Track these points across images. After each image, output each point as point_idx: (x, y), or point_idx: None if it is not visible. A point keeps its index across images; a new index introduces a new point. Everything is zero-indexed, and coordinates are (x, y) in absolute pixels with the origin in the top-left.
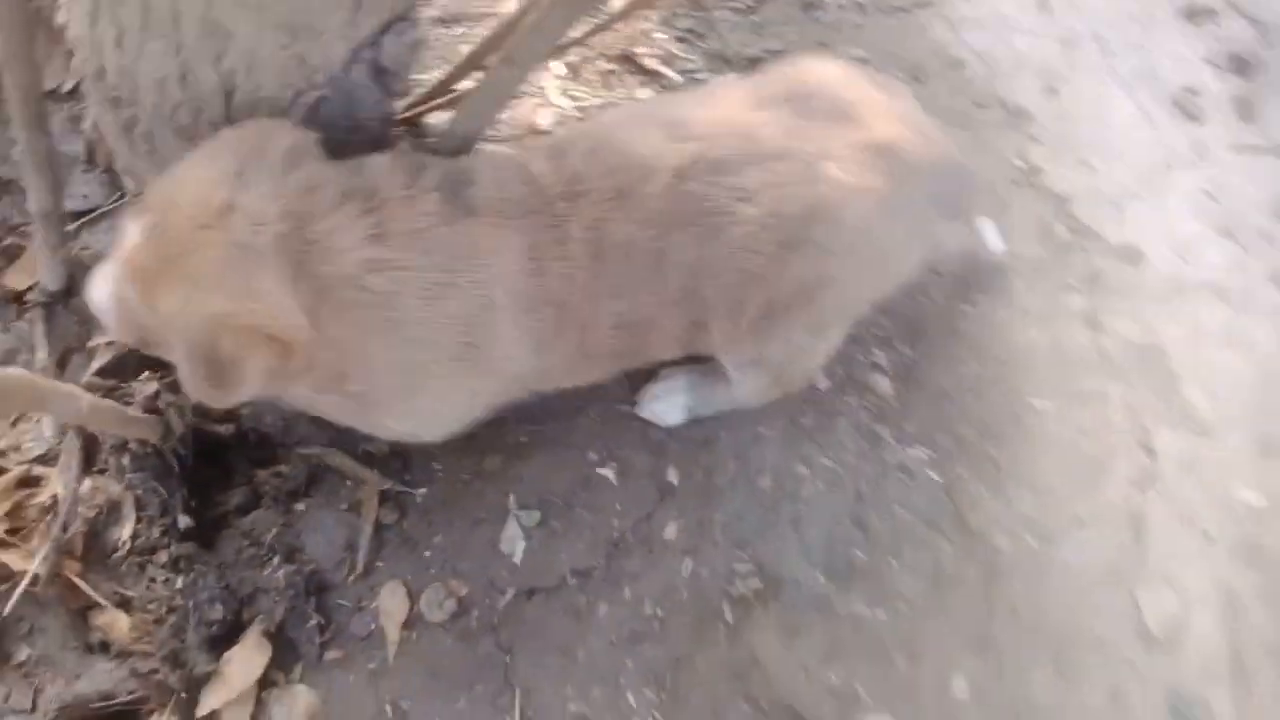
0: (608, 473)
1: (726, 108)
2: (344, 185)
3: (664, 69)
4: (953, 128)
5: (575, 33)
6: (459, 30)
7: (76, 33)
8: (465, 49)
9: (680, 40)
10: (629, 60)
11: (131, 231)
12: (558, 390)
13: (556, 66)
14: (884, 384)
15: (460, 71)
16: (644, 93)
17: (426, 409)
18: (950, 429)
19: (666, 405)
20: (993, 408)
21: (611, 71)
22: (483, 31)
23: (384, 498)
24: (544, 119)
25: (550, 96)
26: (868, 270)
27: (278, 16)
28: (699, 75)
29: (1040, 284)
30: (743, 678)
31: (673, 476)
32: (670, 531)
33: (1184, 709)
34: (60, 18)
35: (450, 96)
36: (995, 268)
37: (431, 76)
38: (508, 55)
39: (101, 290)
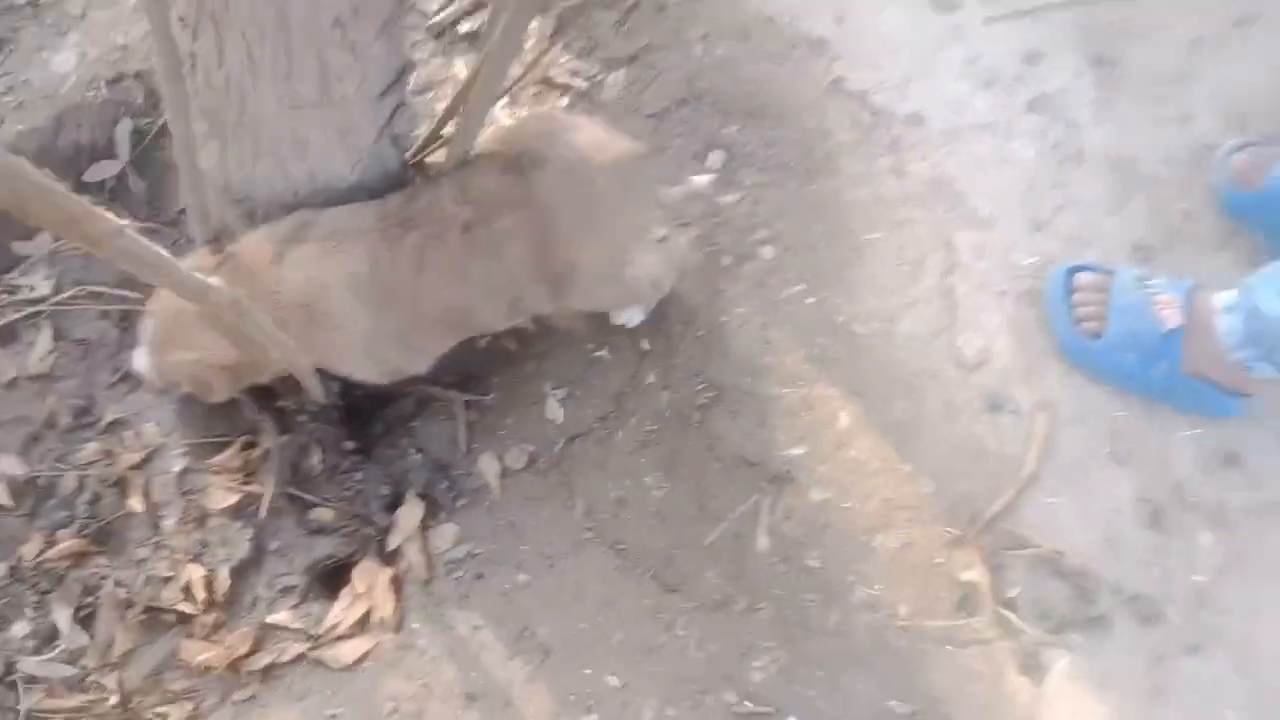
0: (603, 354)
1: (482, 180)
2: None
3: (574, 81)
4: (775, 64)
5: (509, 78)
6: (430, 94)
7: (209, 164)
8: (440, 106)
9: (579, 56)
10: (548, 81)
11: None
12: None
13: (501, 101)
14: (767, 251)
15: (441, 122)
16: (564, 102)
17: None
18: (816, 267)
19: (630, 313)
20: (840, 246)
21: (538, 93)
22: (447, 91)
23: (467, 405)
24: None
25: (502, 121)
26: (596, 240)
27: (337, 124)
28: (599, 78)
29: (857, 156)
30: (712, 449)
31: (645, 345)
32: (651, 378)
33: (998, 403)
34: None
35: (439, 141)
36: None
37: (422, 130)
38: (469, 104)
39: (140, 362)
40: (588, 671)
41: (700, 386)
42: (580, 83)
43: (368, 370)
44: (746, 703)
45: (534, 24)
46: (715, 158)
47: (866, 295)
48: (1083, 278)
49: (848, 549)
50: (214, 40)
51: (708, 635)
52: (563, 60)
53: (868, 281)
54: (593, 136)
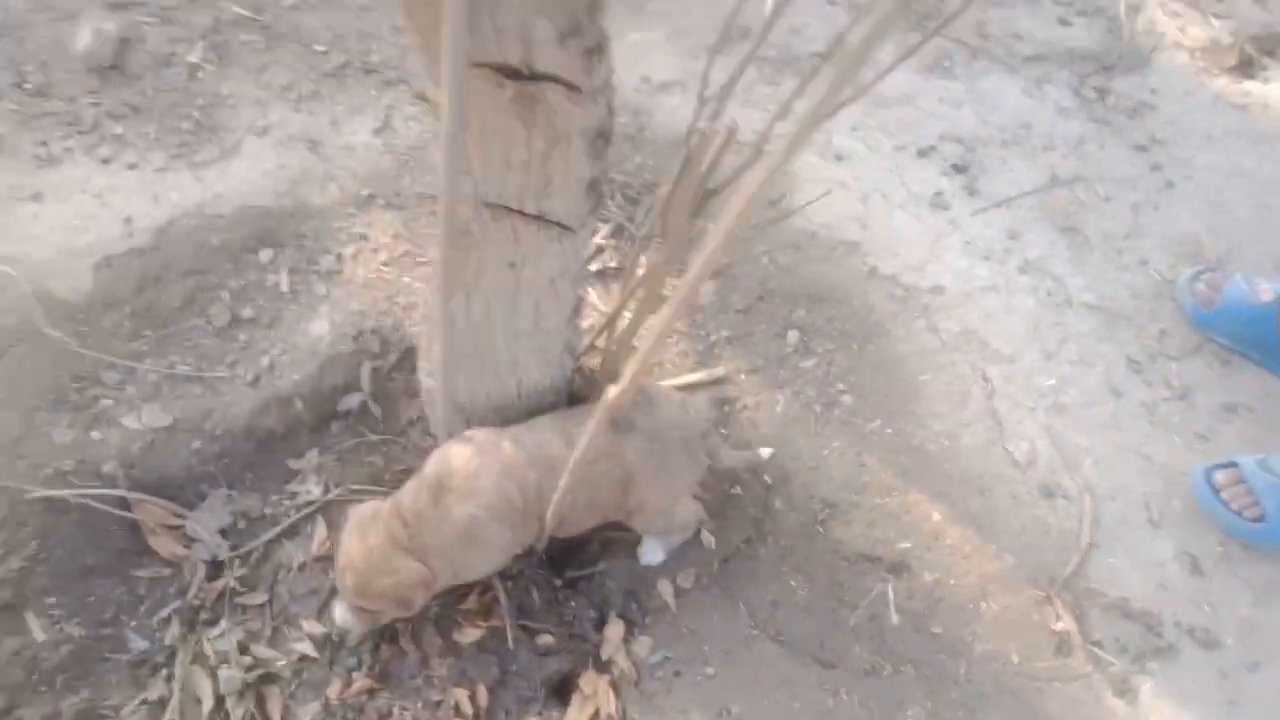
0: (737, 490)
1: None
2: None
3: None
4: (824, 263)
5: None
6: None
7: (430, 384)
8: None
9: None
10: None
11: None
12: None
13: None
14: (846, 399)
15: (595, 338)
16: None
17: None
18: (886, 406)
19: (653, 554)
20: (902, 388)
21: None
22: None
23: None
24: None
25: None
26: (659, 488)
27: (541, 346)
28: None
29: (899, 321)
30: (838, 551)
31: (768, 480)
32: (778, 504)
33: (1050, 491)
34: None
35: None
36: None
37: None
38: (621, 337)
39: (341, 613)
40: None
41: (817, 505)
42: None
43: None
44: None
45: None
46: (793, 336)
47: (930, 421)
48: (1219, 477)
49: (961, 615)
50: (464, 300)
51: (866, 697)
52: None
53: (929, 411)
54: (672, 413)
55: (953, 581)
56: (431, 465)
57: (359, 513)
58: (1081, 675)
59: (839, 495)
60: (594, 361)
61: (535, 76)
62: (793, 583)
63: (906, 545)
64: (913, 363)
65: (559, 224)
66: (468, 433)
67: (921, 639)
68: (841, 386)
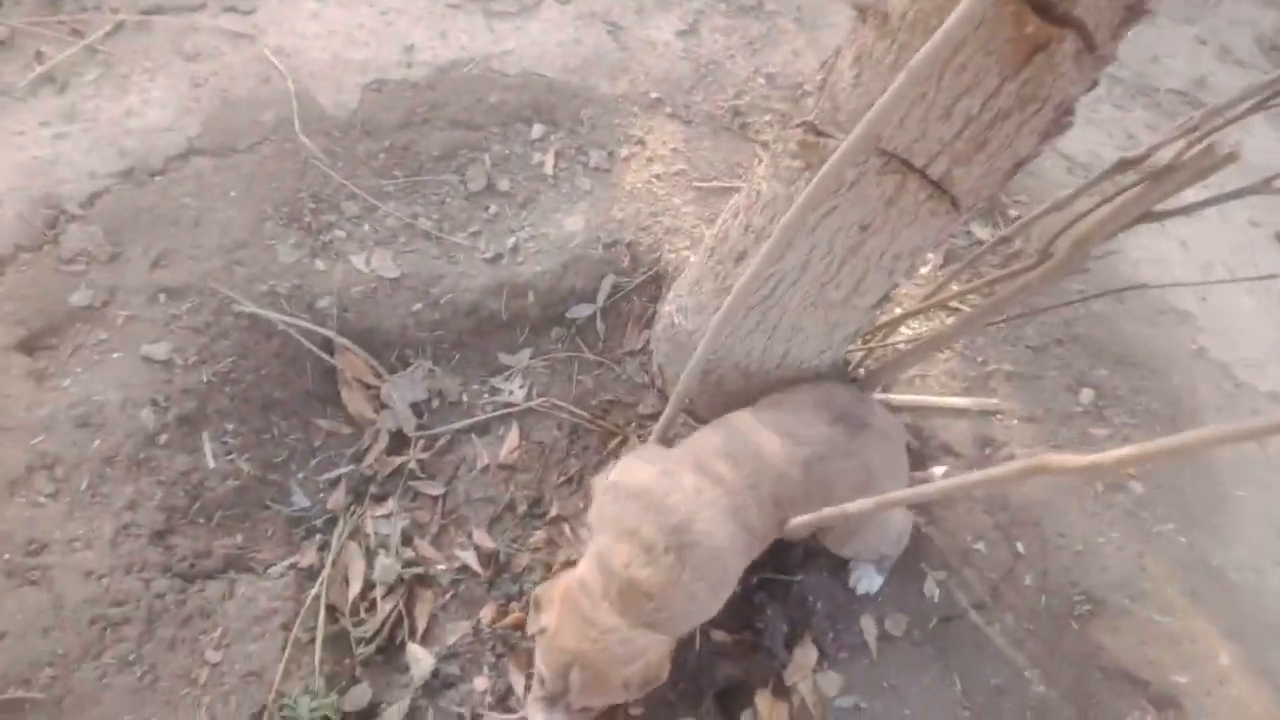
0: (979, 547)
1: (816, 426)
2: None
3: (962, 306)
4: (1145, 324)
5: (916, 301)
6: None
7: (676, 322)
8: None
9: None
10: (942, 304)
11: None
12: None
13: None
14: (1137, 486)
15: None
16: (949, 320)
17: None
18: (1185, 509)
19: (869, 580)
20: (1208, 494)
21: (928, 314)
22: None
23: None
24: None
25: (903, 332)
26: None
27: (834, 322)
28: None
29: (1221, 418)
30: (1094, 658)
31: (1020, 548)
32: (1027, 579)
33: None
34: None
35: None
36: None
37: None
38: (913, 352)
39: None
40: None
41: (1078, 597)
42: (966, 309)
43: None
44: None
45: (931, 255)
46: (1086, 395)
47: (1236, 544)
48: None
49: None
50: (776, 249)
51: None
52: (953, 287)
53: (1237, 532)
54: (889, 414)
55: None
56: (653, 518)
57: (565, 594)
58: None
59: (1108, 594)
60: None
61: (1060, 20)
62: (1027, 674)
63: (1182, 680)
64: (1229, 470)
65: (952, 199)
66: (651, 457)
67: None
68: (1134, 470)
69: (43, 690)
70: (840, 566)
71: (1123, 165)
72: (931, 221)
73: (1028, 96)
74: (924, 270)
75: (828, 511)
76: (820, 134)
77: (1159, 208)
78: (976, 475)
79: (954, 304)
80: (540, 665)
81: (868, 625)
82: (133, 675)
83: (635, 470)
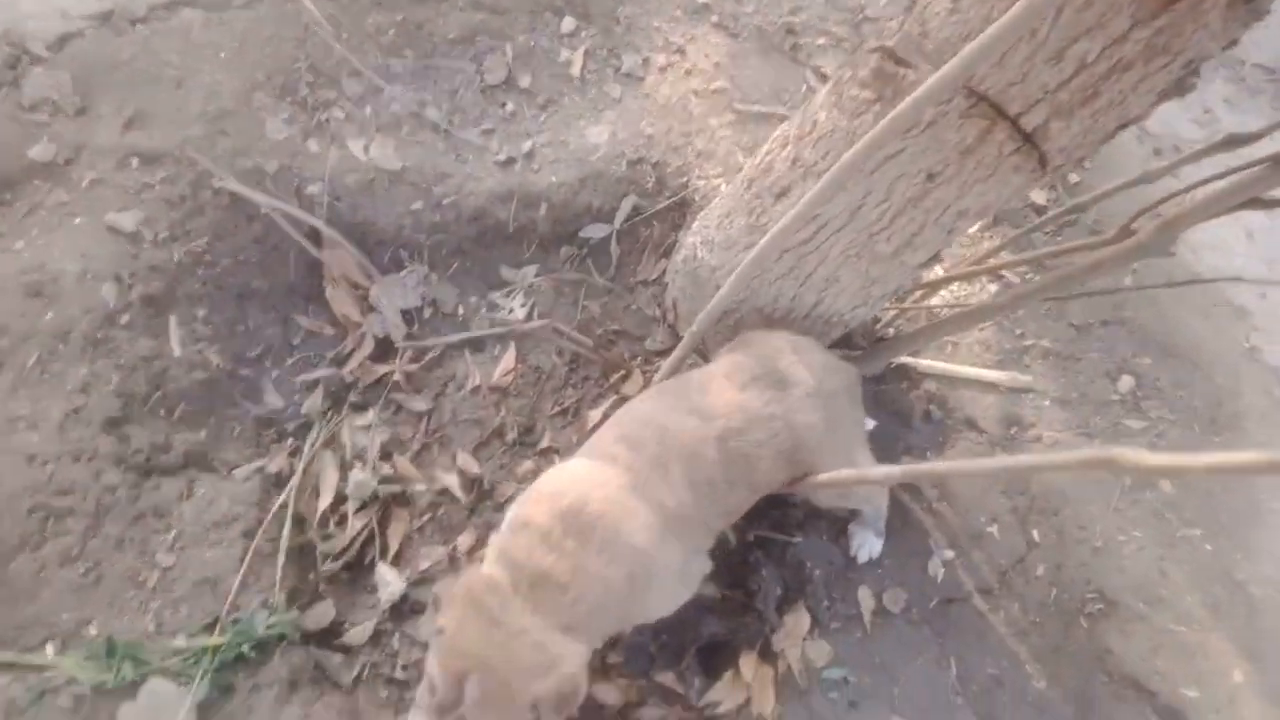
0: (993, 530)
1: (725, 395)
2: None
3: (1010, 275)
4: (1197, 316)
5: (961, 263)
6: None
7: (700, 256)
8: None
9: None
10: (990, 270)
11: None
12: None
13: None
14: (1166, 485)
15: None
16: (993, 288)
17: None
18: (1214, 517)
19: (869, 545)
20: (1241, 505)
21: (972, 278)
22: None
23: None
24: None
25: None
26: (831, 451)
27: (875, 276)
28: (1031, 278)
29: (1266, 424)
30: (1102, 661)
31: (1035, 536)
32: (1039, 570)
33: None
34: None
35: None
36: None
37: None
38: (949, 324)
39: None
40: None
41: (1090, 595)
42: (1014, 278)
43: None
44: None
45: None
46: (1126, 383)
47: (1264, 560)
48: None
49: None
50: (828, 189)
51: None
52: (1002, 254)
53: (1267, 548)
54: (823, 358)
55: None
56: (545, 506)
57: (468, 592)
58: None
59: (1124, 596)
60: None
61: None
62: (1029, 668)
63: (1192, 694)
64: (1266, 481)
65: (1041, 155)
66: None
67: None
68: (1167, 488)
69: None
70: (842, 533)
71: (1230, 143)
72: (1011, 178)
73: (1158, 47)
74: (970, 229)
75: (836, 476)
76: (900, 63)
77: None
78: (1034, 459)
79: (1003, 272)
80: (433, 669)
81: (864, 597)
82: (75, 571)
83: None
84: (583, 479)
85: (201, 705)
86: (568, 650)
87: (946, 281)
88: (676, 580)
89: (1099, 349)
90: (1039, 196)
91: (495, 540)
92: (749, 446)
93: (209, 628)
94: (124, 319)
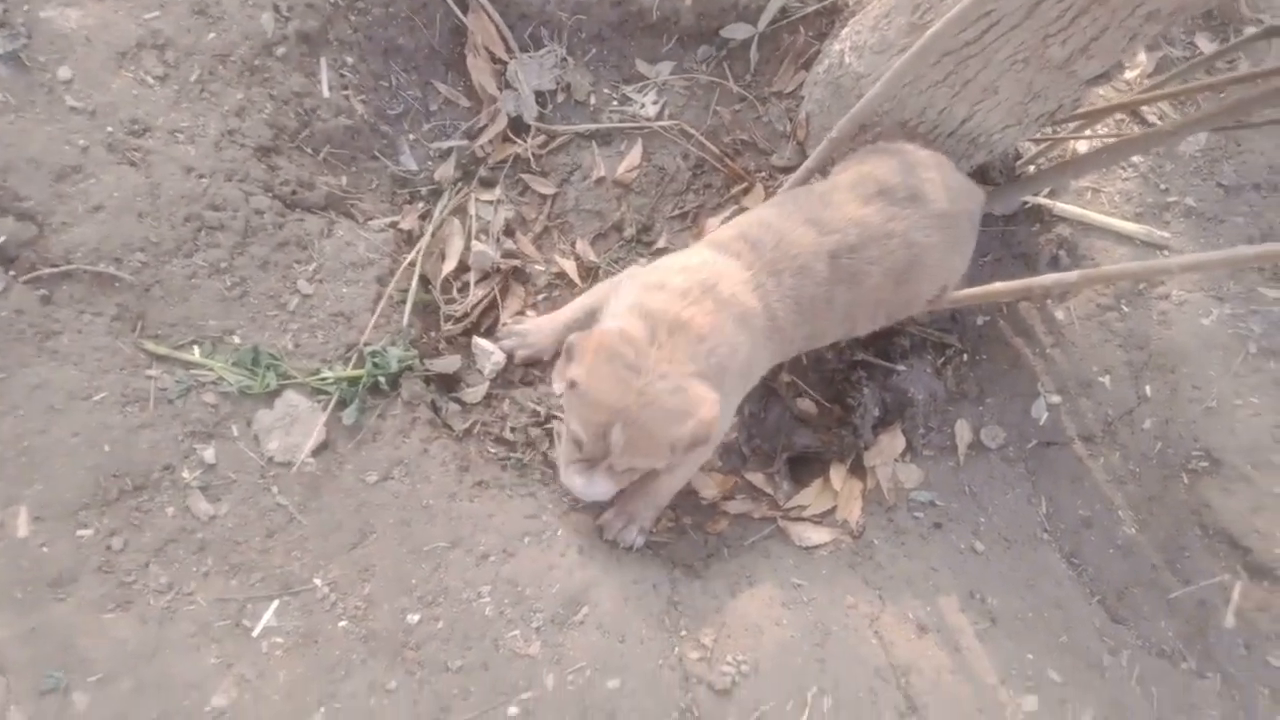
0: (1105, 380)
1: (846, 209)
2: None
3: (1158, 121)
4: None
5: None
6: None
7: (847, 63)
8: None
9: (1170, 101)
10: (1136, 114)
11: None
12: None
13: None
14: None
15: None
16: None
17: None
18: None
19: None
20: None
21: (1122, 120)
22: None
23: (954, 361)
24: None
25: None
26: (942, 276)
27: (1037, 89)
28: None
29: None
30: (1198, 514)
31: (1148, 390)
32: (1147, 424)
33: None
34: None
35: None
36: None
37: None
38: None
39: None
40: (1030, 656)
41: (1196, 452)
42: (1161, 124)
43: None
44: None
45: (1140, 56)
46: None
47: None
48: None
49: None
50: None
51: (1149, 676)
52: (1157, 101)
53: None
54: (958, 179)
55: None
56: (680, 276)
57: (600, 345)
58: None
59: (1231, 457)
60: None
61: None
62: (1121, 514)
63: None
64: None
65: None
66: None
67: (1250, 659)
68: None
69: (133, 273)
70: (947, 365)
71: None
72: None
73: None
74: (1129, 75)
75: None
76: None
77: None
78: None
79: (1153, 118)
80: (575, 427)
81: (961, 430)
82: (221, 283)
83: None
84: (712, 263)
85: (336, 424)
86: (705, 395)
87: (1104, 114)
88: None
89: (1246, 212)
90: (1208, 46)
91: (615, 306)
92: (861, 264)
93: (344, 355)
94: (279, 51)
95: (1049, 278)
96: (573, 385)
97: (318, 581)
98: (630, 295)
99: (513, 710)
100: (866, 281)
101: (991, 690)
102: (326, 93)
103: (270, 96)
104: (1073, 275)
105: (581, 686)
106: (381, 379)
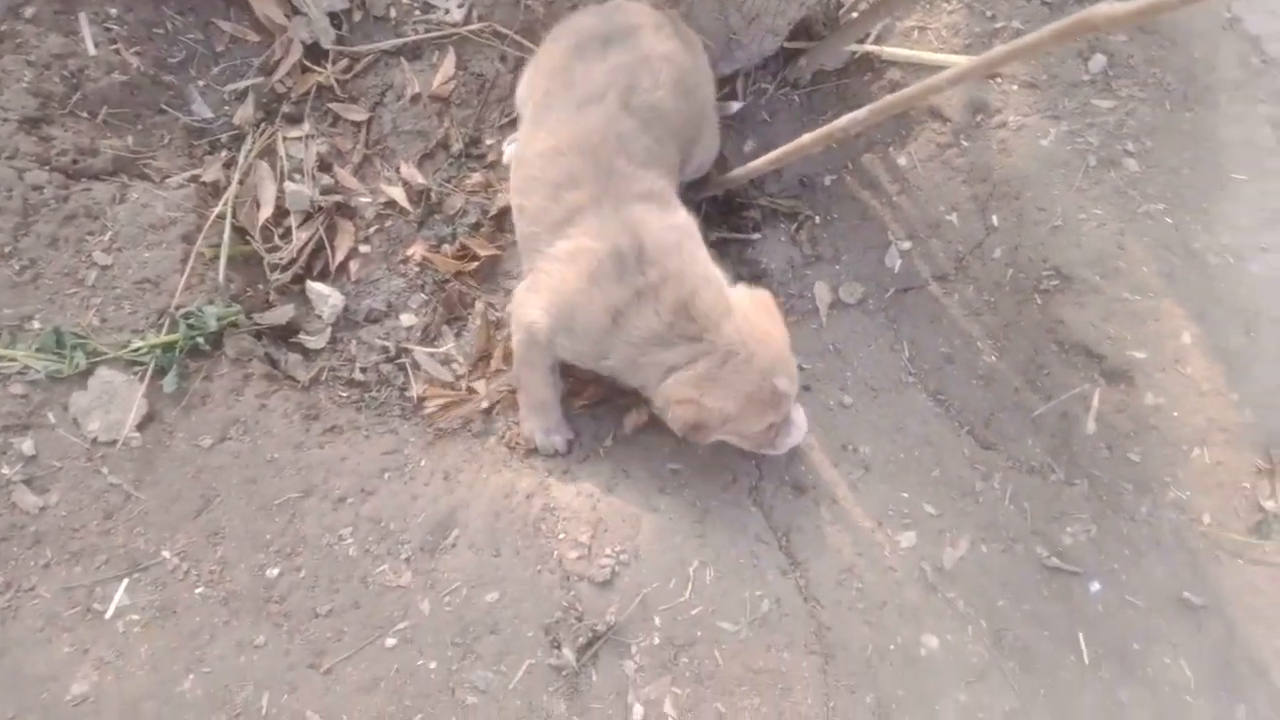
0: (952, 218)
1: (592, 69)
2: None
3: None
4: None
5: None
6: None
7: None
8: None
9: None
10: None
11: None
12: None
13: None
14: (1131, 163)
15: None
16: None
17: None
18: (1177, 191)
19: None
20: (1205, 178)
21: None
22: None
23: (806, 225)
24: None
25: None
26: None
27: None
28: None
29: (1239, 97)
30: (1053, 332)
31: (994, 220)
32: (997, 252)
33: None
34: None
35: None
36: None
37: None
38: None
39: None
40: (905, 495)
41: (1046, 272)
42: None
43: None
44: (1055, 559)
45: None
46: (1097, 62)
47: (1223, 230)
48: None
49: (1167, 453)
50: None
51: (1021, 493)
52: None
53: (1226, 217)
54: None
55: (1175, 414)
56: None
57: None
58: (1270, 564)
59: (1079, 271)
60: None
61: None
62: (980, 345)
63: (1139, 355)
64: (1232, 154)
65: None
66: None
67: (1112, 460)
68: (1131, 147)
69: None
70: (800, 231)
71: None
72: None
73: None
74: None
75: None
76: None
77: None
78: (1008, 46)
79: None
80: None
81: (821, 292)
82: (9, 268)
83: None
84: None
85: (157, 394)
86: None
87: None
88: None
89: None
90: None
91: None
92: (651, 94)
93: (155, 322)
94: (28, 11)
95: (844, 119)
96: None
97: (166, 554)
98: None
99: (390, 641)
100: (666, 103)
101: (869, 533)
102: (93, 50)
103: (27, 63)
104: (861, 111)
105: (459, 606)
106: (201, 340)
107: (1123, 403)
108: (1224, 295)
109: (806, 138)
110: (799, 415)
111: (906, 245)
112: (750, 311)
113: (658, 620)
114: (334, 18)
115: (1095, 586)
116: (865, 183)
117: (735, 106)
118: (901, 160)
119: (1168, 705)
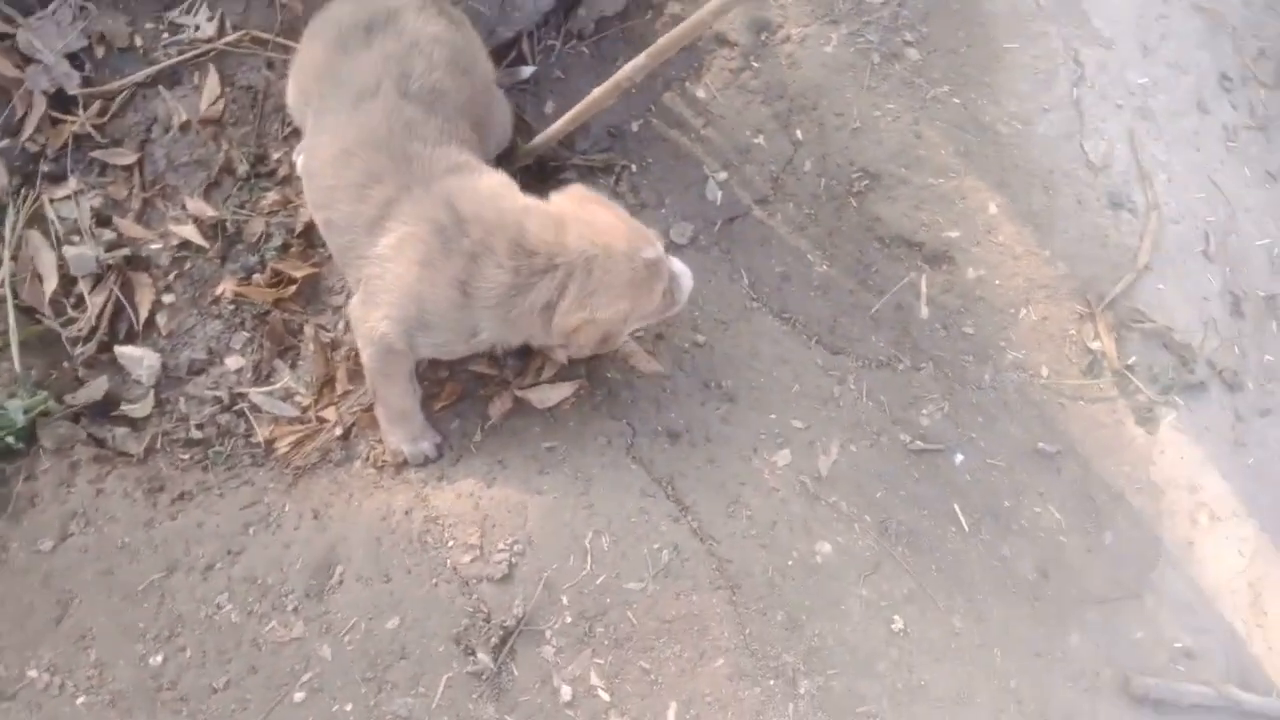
0: (759, 140)
1: (360, 60)
2: None
3: None
4: None
5: None
6: None
7: None
8: None
9: None
10: None
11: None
12: None
13: None
14: (913, 53)
15: None
16: None
17: None
18: (960, 70)
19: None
20: (981, 52)
21: None
22: None
23: (624, 176)
24: None
25: None
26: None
27: None
28: None
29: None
30: (871, 230)
31: (799, 135)
32: (807, 165)
33: (1119, 201)
34: None
35: None
36: None
37: None
38: None
39: None
40: (773, 416)
41: (855, 174)
42: None
43: None
44: (918, 441)
45: None
46: None
47: (1007, 99)
48: None
49: (997, 319)
50: None
51: (876, 388)
52: None
53: (1007, 87)
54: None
55: (997, 282)
56: None
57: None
58: (1107, 399)
59: (885, 167)
60: None
61: None
62: (810, 257)
63: (954, 235)
64: (1001, 25)
65: None
66: None
67: (949, 337)
68: (910, 37)
69: None
70: (618, 182)
71: None
72: None
73: None
74: None
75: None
76: None
77: None
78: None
79: None
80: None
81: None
82: None
83: None
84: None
85: None
86: None
87: None
88: None
89: None
90: None
91: None
92: (427, 76)
93: None
94: None
95: (627, 67)
96: None
97: (33, 673)
98: None
99: (299, 696)
100: (445, 83)
101: (746, 462)
102: None
103: None
104: (640, 57)
105: (360, 641)
106: (11, 439)
107: (948, 282)
108: (1019, 160)
109: (596, 92)
110: (677, 264)
111: (723, 176)
112: (578, 212)
113: (565, 599)
114: (73, 58)
115: (959, 458)
116: (672, 122)
117: (527, 71)
118: (700, 93)
119: (1045, 549)
